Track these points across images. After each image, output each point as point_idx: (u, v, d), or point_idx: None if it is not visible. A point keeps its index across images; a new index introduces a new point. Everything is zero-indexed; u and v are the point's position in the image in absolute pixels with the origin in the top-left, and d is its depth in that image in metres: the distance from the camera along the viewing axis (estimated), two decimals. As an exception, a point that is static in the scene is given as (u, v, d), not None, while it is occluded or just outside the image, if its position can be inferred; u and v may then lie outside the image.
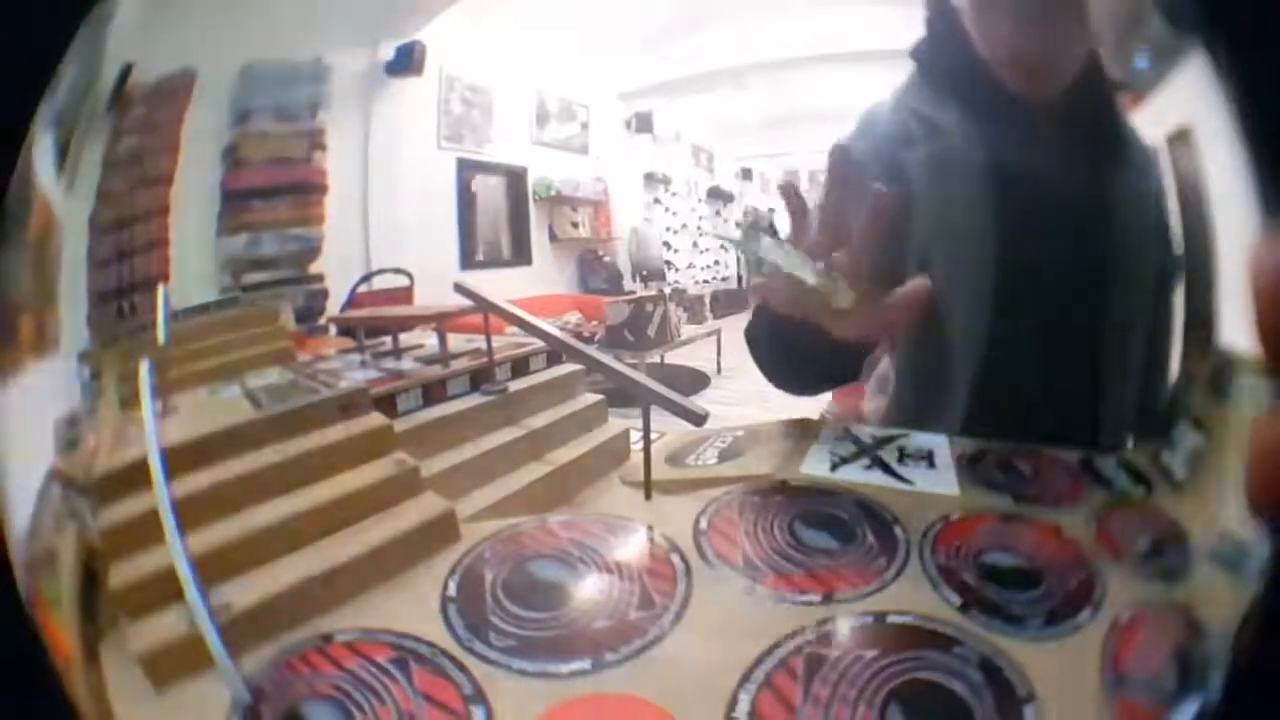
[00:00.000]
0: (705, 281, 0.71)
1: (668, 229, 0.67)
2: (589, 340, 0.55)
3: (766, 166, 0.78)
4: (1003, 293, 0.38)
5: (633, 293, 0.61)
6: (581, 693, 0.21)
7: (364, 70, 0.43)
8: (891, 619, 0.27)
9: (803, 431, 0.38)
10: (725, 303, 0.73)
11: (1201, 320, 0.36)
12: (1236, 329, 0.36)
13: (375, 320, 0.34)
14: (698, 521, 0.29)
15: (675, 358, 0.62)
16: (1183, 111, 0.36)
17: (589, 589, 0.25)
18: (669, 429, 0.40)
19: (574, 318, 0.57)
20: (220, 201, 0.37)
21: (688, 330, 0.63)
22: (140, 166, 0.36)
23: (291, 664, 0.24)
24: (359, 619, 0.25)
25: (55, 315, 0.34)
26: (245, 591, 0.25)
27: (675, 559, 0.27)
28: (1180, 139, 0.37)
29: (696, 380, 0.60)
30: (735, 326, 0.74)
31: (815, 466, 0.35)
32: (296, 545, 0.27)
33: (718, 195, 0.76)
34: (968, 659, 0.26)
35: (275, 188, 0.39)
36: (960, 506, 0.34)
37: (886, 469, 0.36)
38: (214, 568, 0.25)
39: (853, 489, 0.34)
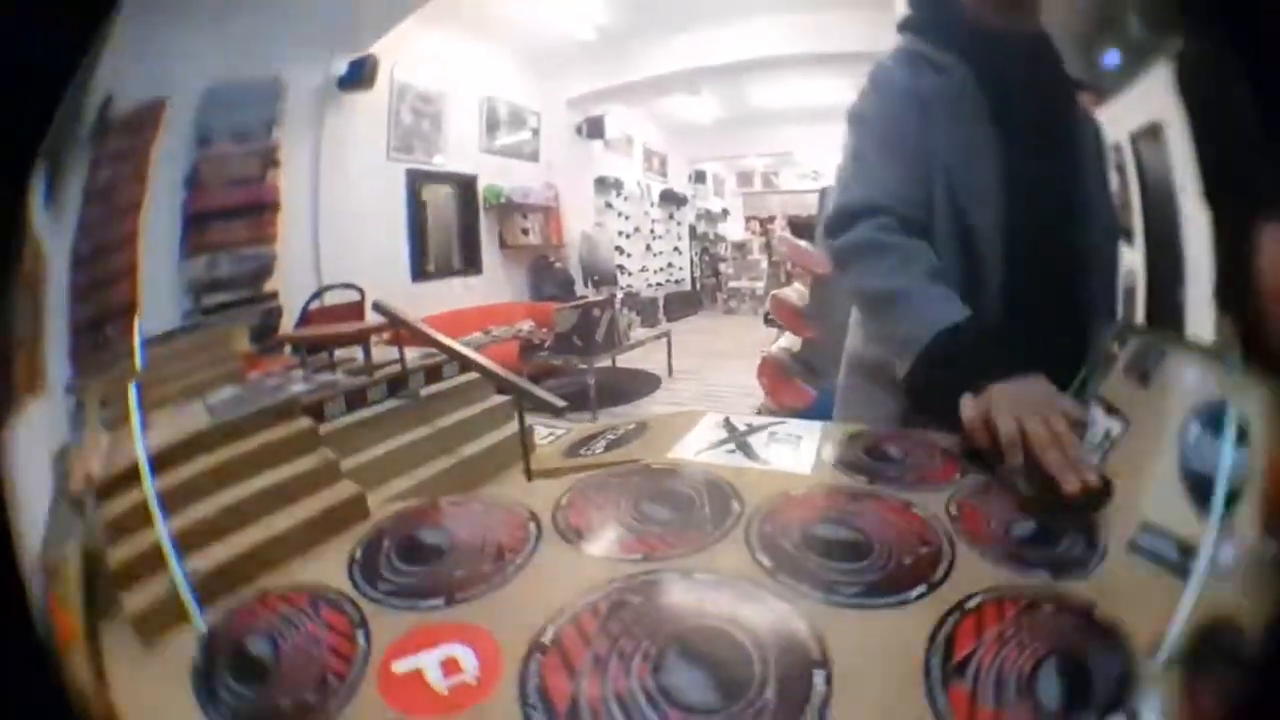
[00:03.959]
0: (658, 284, 0.75)
1: (620, 233, 0.72)
2: (539, 347, 0.60)
3: (719, 169, 0.83)
4: (1011, 202, 0.45)
5: (583, 298, 0.65)
6: (435, 621, 0.30)
7: (318, 86, 0.47)
8: (698, 576, 0.32)
9: (685, 422, 0.46)
10: (679, 304, 0.77)
11: (1167, 310, 0.38)
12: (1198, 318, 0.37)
13: (313, 339, 0.43)
14: (560, 498, 0.38)
15: (633, 359, 0.66)
16: (1155, 108, 0.39)
17: (456, 549, 0.34)
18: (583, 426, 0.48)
19: (526, 325, 0.61)
20: (182, 225, 0.40)
21: (638, 334, 0.68)
22: (113, 196, 0.39)
23: (239, 612, 0.33)
24: (289, 577, 0.34)
25: (44, 351, 0.37)
26: (209, 559, 0.34)
27: (531, 526, 0.36)
28: (1150, 134, 0.39)
29: (647, 383, 0.65)
30: (686, 329, 0.75)
31: (681, 451, 0.43)
32: (245, 523, 0.36)
33: (671, 198, 0.80)
34: (762, 615, 0.30)
35: (232, 208, 0.42)
36: (806, 484, 0.40)
37: (748, 452, 0.43)
38: (187, 542, 0.34)
39: (708, 469, 0.40)
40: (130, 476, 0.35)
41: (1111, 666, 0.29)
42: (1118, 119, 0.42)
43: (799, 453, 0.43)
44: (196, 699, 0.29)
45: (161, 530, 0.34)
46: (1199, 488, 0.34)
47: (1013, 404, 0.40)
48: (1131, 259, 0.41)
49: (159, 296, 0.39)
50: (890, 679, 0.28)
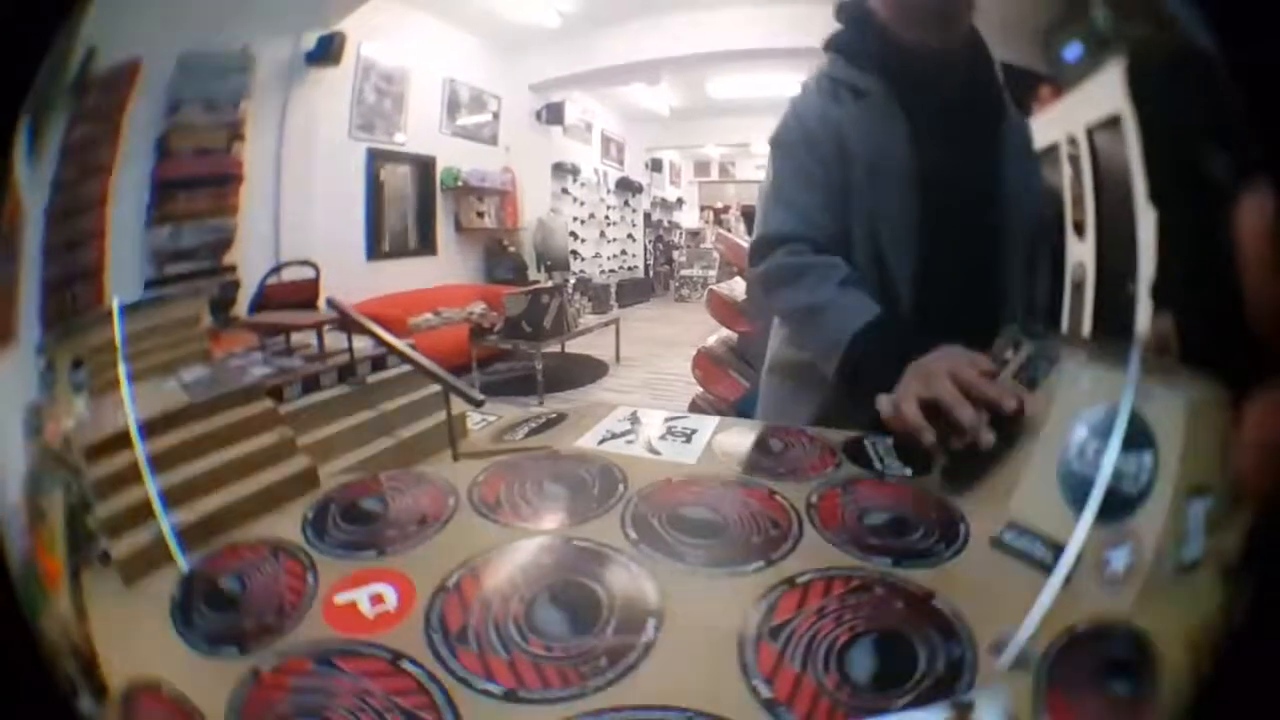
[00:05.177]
0: (612, 271, 0.81)
1: (575, 219, 0.77)
2: (489, 331, 0.65)
3: (676, 157, 0.86)
4: (926, 219, 0.49)
5: (535, 283, 0.70)
6: (369, 567, 0.39)
7: (286, 60, 0.50)
8: (575, 542, 0.40)
9: (599, 414, 0.54)
10: (631, 291, 0.83)
11: (1117, 307, 0.39)
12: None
13: (269, 326, 0.51)
14: (476, 476, 0.45)
15: (583, 345, 0.72)
16: (1115, 100, 0.40)
17: (388, 514, 0.43)
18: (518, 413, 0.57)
19: (478, 308, 0.67)
20: (150, 192, 0.43)
21: (587, 320, 0.72)
22: (87, 155, 0.42)
23: (213, 558, 0.40)
24: (254, 532, 0.42)
25: (18, 306, 0.40)
26: (188, 515, 0.41)
27: (451, 499, 0.43)
28: (1108, 127, 0.41)
29: (595, 369, 0.71)
30: (638, 316, 0.82)
31: (588, 440, 0.50)
32: (217, 486, 0.43)
33: (627, 186, 0.83)
34: (617, 575, 0.37)
35: (197, 178, 0.45)
36: (686, 472, 0.47)
37: (646, 443, 0.50)
38: (171, 499, 0.41)
39: (606, 456, 0.48)
40: (109, 445, 0.41)
41: (941, 655, 0.31)
42: (1074, 112, 0.44)
43: (690, 445, 0.50)
44: (174, 624, 0.36)
45: (152, 489, 0.40)
46: (1083, 491, 0.35)
47: (920, 379, 0.44)
48: (1081, 252, 0.43)
49: (125, 263, 0.42)
50: (711, 633, 0.33)
